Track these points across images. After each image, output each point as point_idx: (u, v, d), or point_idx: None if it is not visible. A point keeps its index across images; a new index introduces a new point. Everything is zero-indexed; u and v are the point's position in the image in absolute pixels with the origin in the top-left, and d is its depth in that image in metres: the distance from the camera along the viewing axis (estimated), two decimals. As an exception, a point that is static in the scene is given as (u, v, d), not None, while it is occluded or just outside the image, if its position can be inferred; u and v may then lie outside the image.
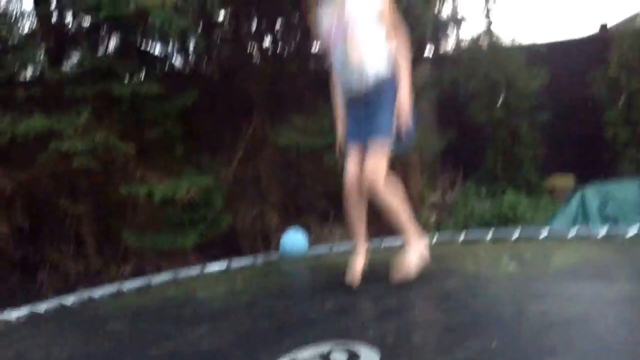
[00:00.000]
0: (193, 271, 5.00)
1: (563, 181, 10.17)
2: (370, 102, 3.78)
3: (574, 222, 6.91)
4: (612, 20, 11.75)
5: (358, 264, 3.78)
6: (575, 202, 7.19)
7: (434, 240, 4.98)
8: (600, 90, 10.23)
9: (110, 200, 7.51)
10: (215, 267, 5.05)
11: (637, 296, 2.96)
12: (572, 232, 4.70)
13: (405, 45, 3.89)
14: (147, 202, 7.02)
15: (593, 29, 11.89)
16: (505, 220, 8.86)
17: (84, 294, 4.44)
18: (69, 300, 4.30)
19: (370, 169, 3.66)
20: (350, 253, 3.88)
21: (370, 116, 3.77)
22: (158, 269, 6.93)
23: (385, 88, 3.79)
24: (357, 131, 3.83)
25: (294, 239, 5.24)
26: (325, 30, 3.90)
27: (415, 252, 3.75)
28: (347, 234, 4.01)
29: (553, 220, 7.27)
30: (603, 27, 11.68)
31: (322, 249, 5.36)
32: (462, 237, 5.07)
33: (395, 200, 3.76)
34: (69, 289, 6.74)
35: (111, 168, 7.24)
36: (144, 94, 7.00)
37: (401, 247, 3.84)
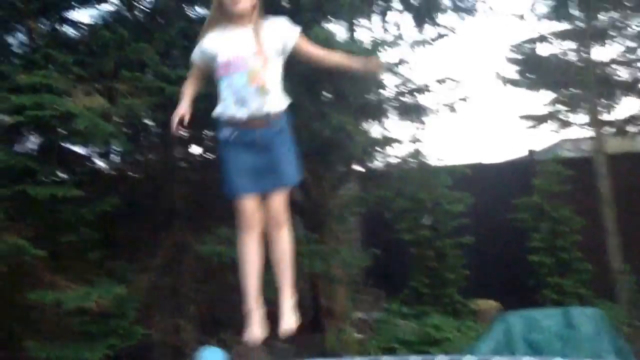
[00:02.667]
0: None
1: (487, 305, 10.16)
2: (270, 145, 3.69)
3: (497, 347, 6.89)
4: (538, 146, 12.02)
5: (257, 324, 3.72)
6: (499, 327, 7.17)
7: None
8: (524, 215, 10.35)
9: (14, 305, 7.13)
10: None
11: None
12: (498, 359, 4.64)
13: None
14: (55, 309, 6.68)
15: (520, 153, 12.13)
16: (429, 341, 8.77)
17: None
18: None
19: (277, 202, 3.72)
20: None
21: (274, 163, 3.70)
22: (62, 383, 6.59)
23: (284, 128, 3.75)
24: (253, 179, 3.70)
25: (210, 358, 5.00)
26: (222, 55, 3.74)
27: (293, 309, 3.81)
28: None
29: (477, 344, 7.22)
30: (530, 152, 11.93)
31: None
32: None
33: (291, 245, 3.81)
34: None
35: (19, 271, 6.91)
36: (62, 197, 6.75)
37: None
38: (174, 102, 7.18)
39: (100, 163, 8.67)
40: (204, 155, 9.13)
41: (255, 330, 3.69)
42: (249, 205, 3.67)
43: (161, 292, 8.12)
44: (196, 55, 3.95)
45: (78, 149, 8.06)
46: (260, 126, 3.66)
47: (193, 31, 7.53)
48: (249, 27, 3.75)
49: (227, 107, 3.72)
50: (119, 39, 7.35)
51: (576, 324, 7.06)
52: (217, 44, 3.79)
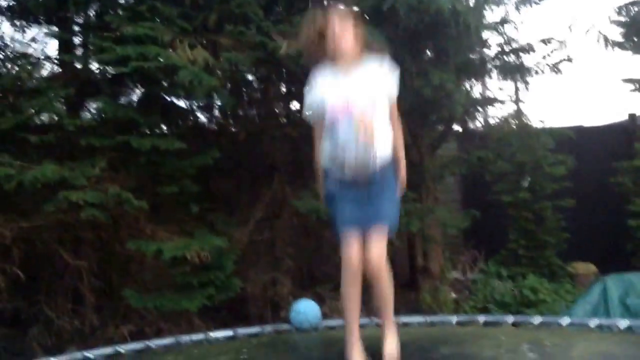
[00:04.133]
0: (197, 337, 4.81)
1: (585, 268, 9.98)
2: (375, 186, 3.67)
3: (595, 311, 6.78)
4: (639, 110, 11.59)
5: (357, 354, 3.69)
6: (597, 290, 7.03)
7: (455, 320, 4.90)
8: (625, 179, 10.09)
9: (115, 255, 7.30)
10: (221, 334, 4.85)
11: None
12: (595, 322, 4.58)
13: (400, 132, 3.90)
14: (154, 260, 6.82)
15: (620, 117, 11.76)
16: (525, 303, 8.68)
17: (74, 355, 4.25)
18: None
19: (378, 252, 3.61)
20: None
21: (376, 201, 3.67)
22: (159, 332, 6.74)
23: (390, 173, 3.75)
24: (357, 215, 3.66)
25: (306, 310, 5.03)
26: (329, 102, 3.70)
27: (396, 338, 3.79)
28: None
29: (574, 307, 7.12)
30: (632, 116, 11.57)
31: (335, 322, 5.16)
32: (483, 319, 4.94)
33: (391, 288, 3.76)
34: (60, 348, 6.50)
35: (120, 222, 7.07)
36: (164, 149, 6.86)
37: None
38: (275, 58, 7.27)
39: (202, 117, 8.78)
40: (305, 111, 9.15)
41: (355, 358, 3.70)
42: (353, 244, 3.62)
43: (259, 245, 8.22)
44: (310, 108, 3.95)
45: (181, 103, 8.16)
46: (365, 173, 3.64)
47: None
48: (353, 69, 3.75)
49: (333, 156, 3.69)
50: (223, -7, 7.39)
51: (676, 290, 6.89)
52: (324, 89, 3.77)
